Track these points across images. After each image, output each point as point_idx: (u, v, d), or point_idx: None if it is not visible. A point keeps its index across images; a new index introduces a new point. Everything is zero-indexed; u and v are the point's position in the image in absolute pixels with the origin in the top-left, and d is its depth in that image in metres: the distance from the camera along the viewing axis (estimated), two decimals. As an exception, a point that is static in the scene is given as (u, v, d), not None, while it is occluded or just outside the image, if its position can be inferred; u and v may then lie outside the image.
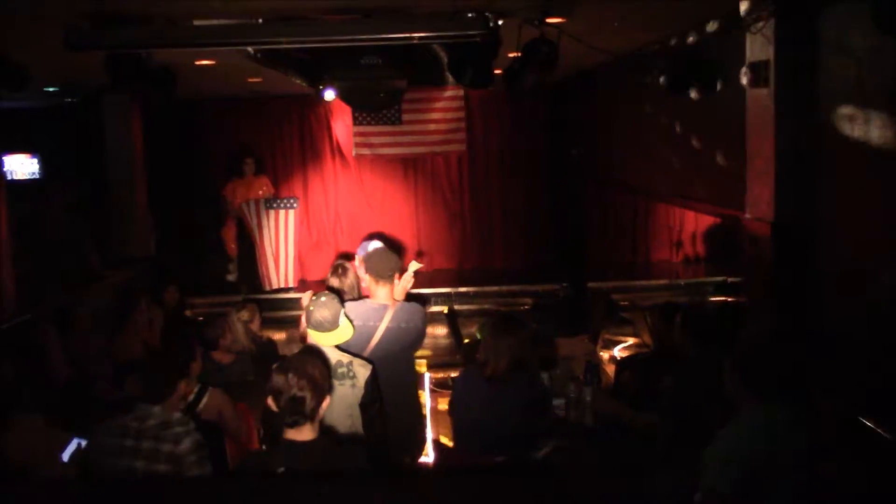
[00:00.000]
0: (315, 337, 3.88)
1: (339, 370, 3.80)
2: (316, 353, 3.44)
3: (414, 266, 4.88)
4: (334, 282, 4.76)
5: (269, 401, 2.99)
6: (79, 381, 5.45)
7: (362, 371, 3.81)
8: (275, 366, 3.09)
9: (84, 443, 3.89)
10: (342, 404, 3.75)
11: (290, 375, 2.90)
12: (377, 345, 4.27)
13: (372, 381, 3.80)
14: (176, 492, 3.19)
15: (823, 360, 4.65)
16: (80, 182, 9.34)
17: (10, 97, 6.40)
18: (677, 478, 3.45)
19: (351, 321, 4.02)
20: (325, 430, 3.29)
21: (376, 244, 5.69)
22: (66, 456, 3.85)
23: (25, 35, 5.27)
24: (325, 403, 3.02)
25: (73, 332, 5.74)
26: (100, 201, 9.16)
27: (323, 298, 3.89)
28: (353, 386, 3.79)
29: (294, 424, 2.92)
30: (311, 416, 2.93)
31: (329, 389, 3.12)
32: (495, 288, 9.67)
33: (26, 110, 9.42)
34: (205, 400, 4.30)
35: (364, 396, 3.79)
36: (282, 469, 2.86)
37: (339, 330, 3.88)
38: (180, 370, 3.68)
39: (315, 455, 2.91)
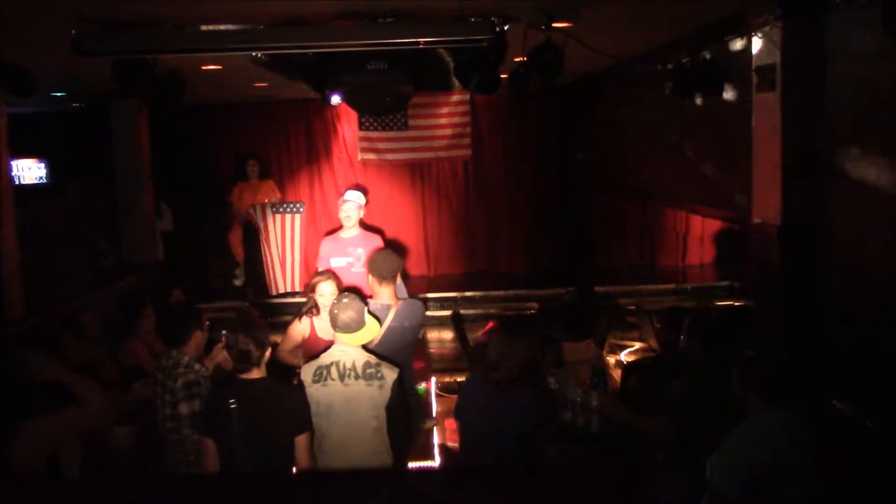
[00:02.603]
0: (343, 338, 3.92)
1: (367, 371, 3.86)
2: (255, 317, 4.00)
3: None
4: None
5: (224, 353, 3.93)
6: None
7: (390, 374, 3.88)
8: (225, 331, 3.76)
9: None
10: (369, 405, 3.83)
11: (240, 336, 3.61)
12: (378, 344, 4.35)
13: (398, 384, 3.89)
14: (176, 491, 3.26)
15: (830, 363, 4.64)
16: (87, 186, 9.37)
17: (19, 102, 6.43)
18: (684, 482, 3.45)
19: (378, 319, 4.13)
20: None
21: (353, 192, 6.24)
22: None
23: (34, 41, 5.30)
24: (266, 353, 3.68)
25: (81, 337, 5.75)
26: (107, 206, 9.20)
27: (346, 300, 3.97)
28: (381, 388, 3.85)
29: (243, 371, 3.64)
30: (256, 364, 3.63)
31: (268, 343, 3.73)
32: (501, 292, 9.65)
33: (35, 115, 9.47)
34: None
35: (391, 399, 3.86)
36: (232, 402, 3.52)
37: (366, 328, 3.97)
38: (194, 320, 4.31)
39: (258, 388, 3.63)
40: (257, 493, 3.10)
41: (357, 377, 3.84)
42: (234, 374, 3.72)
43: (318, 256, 6.23)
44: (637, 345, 7.23)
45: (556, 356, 4.87)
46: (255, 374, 3.66)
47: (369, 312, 4.11)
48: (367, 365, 3.88)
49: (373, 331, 4.05)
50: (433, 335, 8.47)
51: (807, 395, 3.21)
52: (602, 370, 4.77)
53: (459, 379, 5.23)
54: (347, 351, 3.91)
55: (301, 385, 3.87)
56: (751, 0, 4.97)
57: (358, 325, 3.92)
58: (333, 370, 3.87)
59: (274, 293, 9.60)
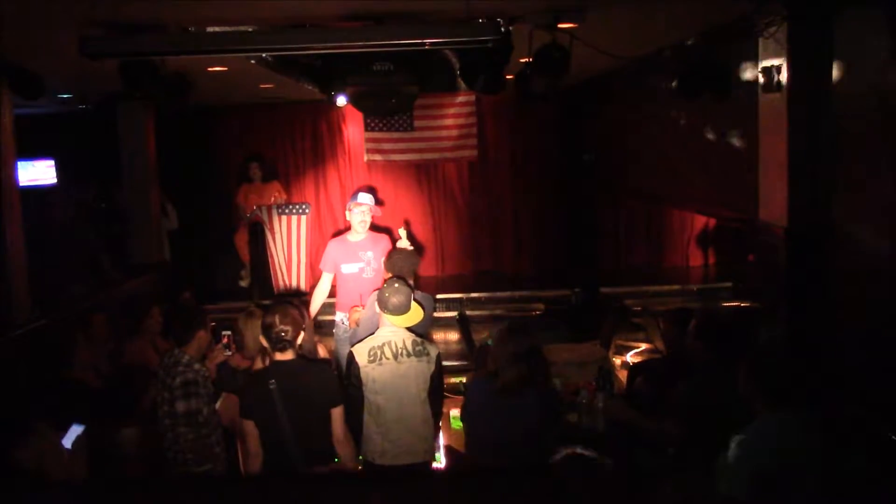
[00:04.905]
0: (392, 320, 4.33)
1: (417, 348, 4.30)
2: (291, 304, 4.22)
3: (403, 236, 5.93)
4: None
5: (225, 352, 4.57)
6: (96, 385, 5.46)
7: (433, 349, 4.37)
8: (266, 311, 4.07)
9: (82, 429, 3.98)
10: (419, 378, 4.28)
11: (276, 316, 3.89)
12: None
13: (438, 358, 4.36)
14: (180, 492, 3.31)
15: (837, 364, 4.62)
16: (94, 187, 9.40)
17: (26, 104, 6.45)
18: (691, 484, 3.44)
19: (421, 304, 4.49)
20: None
21: (363, 194, 6.19)
22: (68, 443, 3.88)
23: (40, 43, 5.32)
24: (300, 336, 3.98)
25: (90, 337, 5.77)
26: (113, 207, 9.23)
27: (396, 285, 4.38)
28: (429, 362, 4.30)
29: (282, 350, 3.91)
30: (290, 344, 3.92)
31: (303, 326, 4.04)
32: (507, 293, 9.65)
33: (42, 116, 9.50)
34: (219, 405, 4.38)
35: (434, 370, 4.32)
36: (272, 382, 3.83)
37: (411, 312, 4.37)
38: (199, 320, 4.42)
39: (293, 367, 3.93)
40: (260, 494, 3.13)
41: (409, 355, 4.26)
42: (271, 357, 4.01)
43: (322, 259, 6.23)
44: (643, 346, 7.22)
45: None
46: (290, 354, 3.94)
47: (415, 300, 4.48)
48: (415, 343, 4.31)
49: (418, 314, 4.41)
50: (439, 336, 8.47)
51: (814, 396, 3.20)
52: (608, 371, 4.77)
53: (464, 380, 5.24)
54: (396, 331, 4.32)
55: (327, 361, 4.32)
56: (758, 1, 4.96)
57: (406, 308, 4.33)
58: (387, 350, 4.25)
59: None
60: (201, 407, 4.21)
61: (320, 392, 3.94)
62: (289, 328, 3.88)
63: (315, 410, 3.91)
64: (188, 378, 4.18)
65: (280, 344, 3.90)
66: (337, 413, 3.96)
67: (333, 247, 6.20)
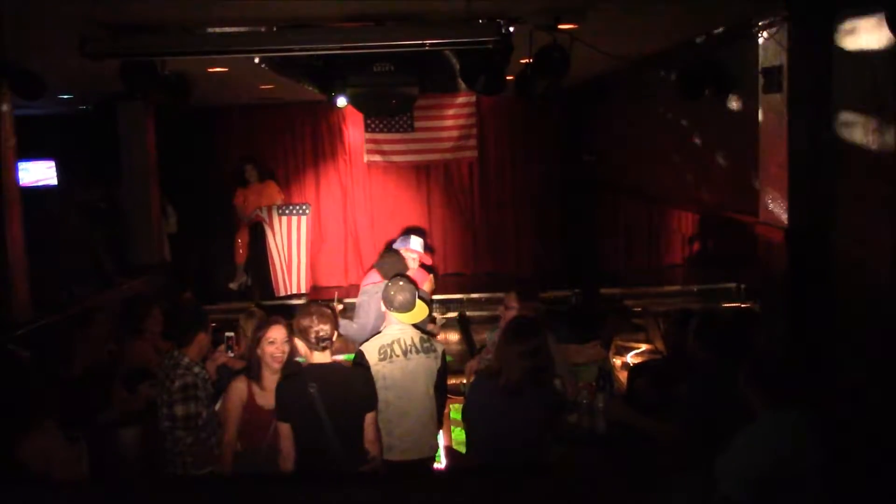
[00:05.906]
0: (399, 317, 4.39)
1: (425, 345, 4.39)
2: (321, 304, 4.30)
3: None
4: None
5: (295, 339, 4.06)
6: (95, 385, 5.47)
7: (439, 346, 4.49)
8: (299, 311, 4.02)
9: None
10: (426, 374, 4.36)
11: (314, 317, 3.87)
12: None
13: (443, 354, 4.47)
14: (179, 492, 3.33)
15: (837, 365, 4.62)
16: (94, 188, 9.41)
17: (27, 104, 6.45)
18: (691, 484, 3.44)
19: (426, 301, 4.59)
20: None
21: (416, 239, 6.05)
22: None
23: (41, 43, 5.33)
24: (335, 333, 3.95)
25: (91, 337, 5.78)
26: (114, 207, 9.23)
27: (401, 282, 4.44)
28: (436, 358, 4.41)
29: (323, 349, 3.89)
30: (330, 342, 3.91)
31: (337, 325, 4.06)
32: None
33: (42, 116, 9.51)
34: (219, 406, 4.37)
35: (441, 365, 4.43)
36: (313, 385, 3.75)
37: (417, 309, 4.43)
38: (200, 322, 4.41)
39: (331, 370, 3.92)
40: (260, 494, 3.14)
41: (418, 351, 4.34)
42: (306, 359, 3.97)
43: (359, 301, 5.51)
44: (643, 346, 7.22)
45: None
46: (328, 355, 3.94)
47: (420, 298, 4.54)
48: (422, 339, 4.40)
49: (423, 311, 4.48)
50: (439, 337, 8.46)
51: (814, 397, 3.20)
52: (608, 372, 4.77)
53: (464, 381, 5.25)
54: (404, 329, 4.38)
55: (359, 367, 4.27)
56: (758, 1, 4.96)
57: (412, 305, 4.39)
58: (396, 347, 4.32)
59: (280, 295, 9.62)
60: (200, 410, 4.19)
61: (358, 396, 3.95)
62: (327, 326, 3.88)
63: (353, 413, 3.92)
64: (187, 382, 4.17)
65: (322, 343, 3.88)
66: (371, 417, 3.98)
67: (376, 292, 5.03)
